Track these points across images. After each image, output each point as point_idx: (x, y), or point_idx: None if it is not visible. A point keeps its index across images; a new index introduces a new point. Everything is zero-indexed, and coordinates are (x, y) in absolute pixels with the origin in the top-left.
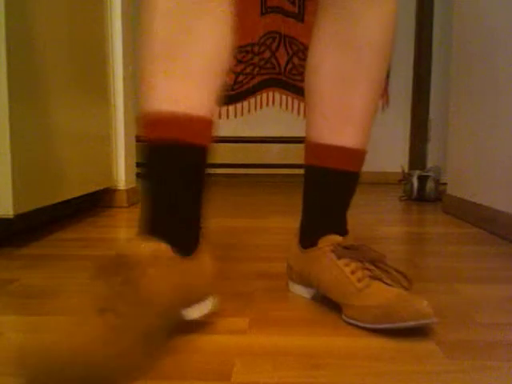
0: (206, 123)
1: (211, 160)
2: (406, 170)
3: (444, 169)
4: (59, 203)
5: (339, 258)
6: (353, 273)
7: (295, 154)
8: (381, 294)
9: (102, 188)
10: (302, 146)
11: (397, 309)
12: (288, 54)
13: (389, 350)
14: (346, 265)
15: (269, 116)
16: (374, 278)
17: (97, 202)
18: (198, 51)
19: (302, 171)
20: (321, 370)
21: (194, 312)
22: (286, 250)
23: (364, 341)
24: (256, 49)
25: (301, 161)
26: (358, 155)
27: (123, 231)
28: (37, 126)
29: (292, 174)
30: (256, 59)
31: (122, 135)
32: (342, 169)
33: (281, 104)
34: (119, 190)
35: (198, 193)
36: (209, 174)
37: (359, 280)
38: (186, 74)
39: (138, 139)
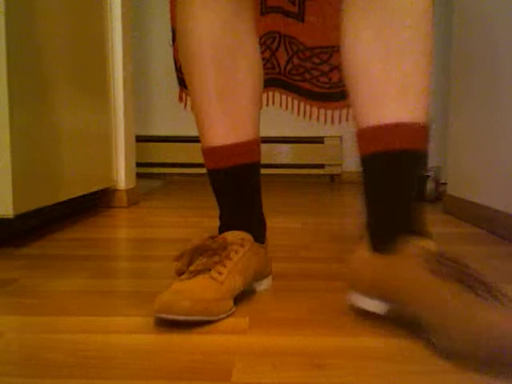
0: (256, 143)
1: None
2: None
3: (444, 169)
4: (59, 203)
5: (434, 273)
6: (450, 290)
7: (296, 154)
8: (497, 322)
9: (101, 188)
10: (302, 145)
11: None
12: (288, 53)
13: (389, 349)
14: (445, 280)
15: (269, 116)
16: (477, 295)
17: (97, 202)
18: (244, 87)
19: (303, 171)
20: (321, 370)
21: (262, 285)
22: (287, 250)
23: (364, 341)
24: None
25: (301, 161)
26: (420, 130)
27: (123, 231)
28: (37, 126)
29: (293, 173)
30: None
31: (122, 135)
32: (407, 148)
33: (281, 104)
34: (119, 190)
35: (260, 196)
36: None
37: (459, 299)
38: (238, 110)
39: (145, 139)
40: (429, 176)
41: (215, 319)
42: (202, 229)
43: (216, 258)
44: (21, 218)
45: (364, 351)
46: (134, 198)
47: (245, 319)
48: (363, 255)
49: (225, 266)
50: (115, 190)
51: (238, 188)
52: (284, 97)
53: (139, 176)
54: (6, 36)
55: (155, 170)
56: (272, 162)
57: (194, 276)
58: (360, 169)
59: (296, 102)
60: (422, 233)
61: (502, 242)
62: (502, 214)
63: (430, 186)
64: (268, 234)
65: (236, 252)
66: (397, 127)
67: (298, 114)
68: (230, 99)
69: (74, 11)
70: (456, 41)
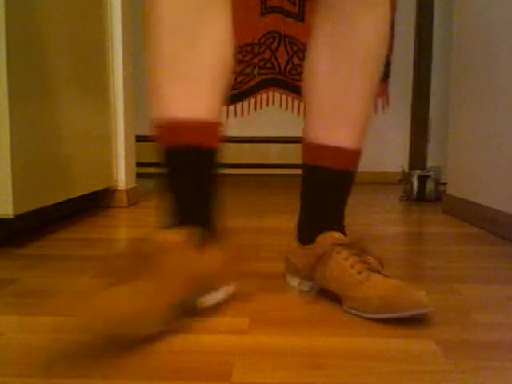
0: (214, 126)
1: (221, 159)
2: (406, 170)
3: (444, 169)
4: (59, 203)
5: (338, 252)
6: (352, 266)
7: (295, 154)
8: (380, 286)
9: (101, 188)
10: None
11: (396, 299)
12: (288, 53)
13: (389, 350)
14: (345, 259)
15: (269, 116)
16: (372, 270)
17: (97, 202)
18: (203, 60)
19: (301, 171)
20: (321, 370)
21: (207, 300)
22: (284, 249)
23: (364, 341)
24: (256, 49)
25: (300, 161)
26: (353, 155)
27: (123, 231)
28: (37, 126)
29: (292, 174)
30: (256, 59)
31: (122, 135)
32: (338, 168)
33: (281, 104)
34: (119, 189)
35: (212, 188)
36: (220, 173)
37: (359, 272)
38: (194, 82)
39: (151, 140)
40: (429, 176)
41: (140, 334)
42: None
43: (142, 266)
44: (21, 218)
45: (364, 351)
46: (134, 198)
47: (245, 319)
48: (294, 246)
49: (151, 276)
50: (115, 190)
51: (187, 174)
52: (284, 97)
53: (139, 176)
54: (5, 36)
55: (155, 170)
56: (272, 161)
57: (119, 283)
58: (307, 172)
59: (296, 102)
60: (336, 228)
61: (502, 242)
62: (503, 214)
63: (429, 185)
64: (266, 233)
65: (168, 256)
66: (332, 150)
67: (298, 113)
68: (188, 68)
69: (73, 11)
70: (456, 41)
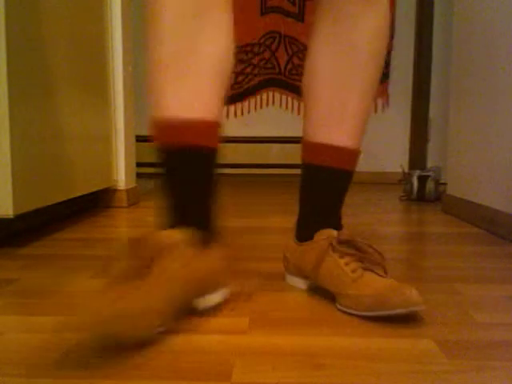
0: (214, 126)
1: (220, 159)
2: (406, 170)
3: (444, 169)
4: (59, 203)
5: (334, 250)
6: (347, 264)
7: (295, 154)
8: (372, 284)
9: (101, 188)
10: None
11: (388, 297)
12: (288, 54)
13: (389, 350)
14: (341, 257)
15: (269, 116)
16: (367, 269)
17: (97, 202)
18: (204, 60)
19: (300, 170)
20: (321, 370)
21: (205, 302)
22: (284, 248)
23: (364, 341)
24: (256, 49)
25: (300, 161)
26: (351, 155)
27: (123, 231)
28: (37, 126)
29: (292, 173)
30: (256, 59)
31: (122, 135)
32: (336, 167)
33: (281, 104)
34: (119, 189)
35: (211, 189)
36: (219, 173)
37: (353, 271)
38: (194, 82)
39: (149, 140)
40: (429, 176)
41: (139, 335)
42: None
43: (142, 266)
44: (21, 218)
45: (364, 351)
46: (134, 198)
47: (245, 319)
48: (292, 244)
49: (151, 276)
50: (115, 190)
51: (187, 174)
52: (284, 97)
53: (139, 176)
54: (6, 36)
55: (155, 170)
56: (272, 161)
57: (118, 283)
58: (306, 171)
59: (296, 102)
60: (333, 226)
61: (502, 242)
62: (502, 214)
63: (429, 186)
64: (266, 233)
65: (168, 257)
66: (331, 149)
67: (299, 113)
68: (188, 68)
69: (73, 11)
70: (456, 42)
